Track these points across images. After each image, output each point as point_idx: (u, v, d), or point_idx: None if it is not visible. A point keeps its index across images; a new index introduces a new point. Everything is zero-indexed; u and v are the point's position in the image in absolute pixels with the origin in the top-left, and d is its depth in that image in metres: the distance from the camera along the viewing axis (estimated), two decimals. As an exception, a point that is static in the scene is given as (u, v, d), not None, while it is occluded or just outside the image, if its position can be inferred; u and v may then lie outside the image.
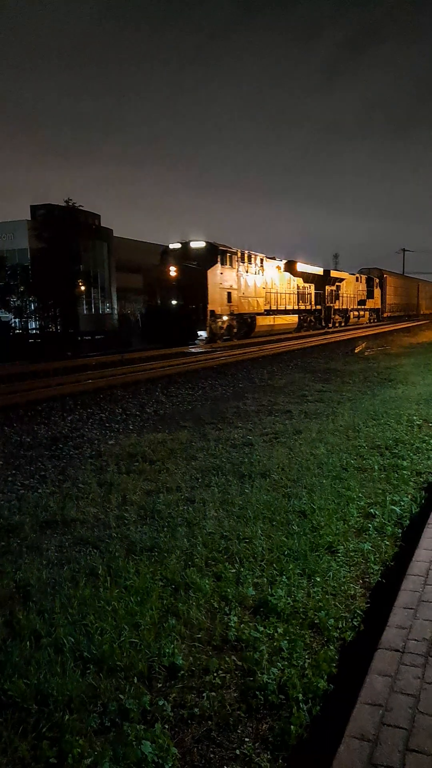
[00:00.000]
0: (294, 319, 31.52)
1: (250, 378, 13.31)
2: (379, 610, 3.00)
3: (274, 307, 28.55)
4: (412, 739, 2.00)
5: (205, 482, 5.17)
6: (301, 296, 32.28)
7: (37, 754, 2.09)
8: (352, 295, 41.76)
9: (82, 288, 32.56)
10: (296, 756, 2.11)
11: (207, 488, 4.99)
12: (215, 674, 2.52)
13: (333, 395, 10.08)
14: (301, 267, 32.40)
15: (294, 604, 3.04)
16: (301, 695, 2.37)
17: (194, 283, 22.09)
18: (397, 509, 4.37)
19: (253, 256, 26.27)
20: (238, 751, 2.13)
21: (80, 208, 30.98)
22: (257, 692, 2.40)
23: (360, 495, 4.71)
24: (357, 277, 43.76)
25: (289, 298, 30.77)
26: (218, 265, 23.08)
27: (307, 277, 33.46)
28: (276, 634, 2.79)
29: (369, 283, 46.25)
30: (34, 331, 29.68)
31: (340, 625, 2.88)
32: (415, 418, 7.69)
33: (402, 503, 4.50)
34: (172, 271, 22.50)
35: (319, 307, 35.50)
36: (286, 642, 2.71)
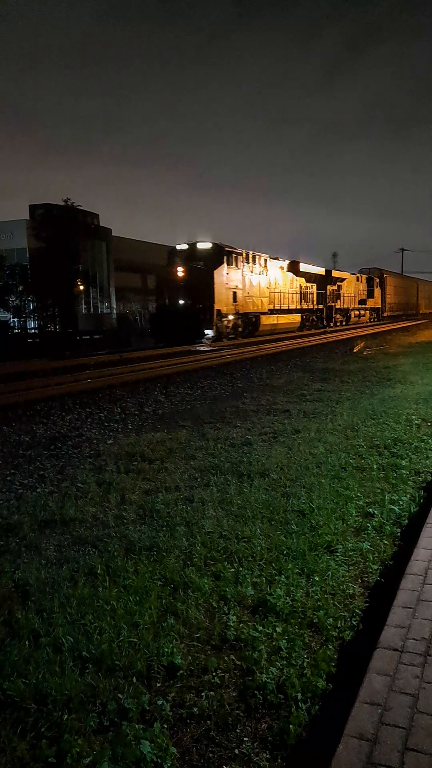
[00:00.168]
0: (297, 318, 31.99)
1: (248, 377, 13.31)
2: (378, 610, 3.00)
3: (277, 307, 29.04)
4: (411, 738, 2.00)
5: (204, 481, 5.17)
6: (303, 296, 32.77)
7: (36, 753, 2.09)
8: (352, 295, 42.08)
9: (81, 287, 32.55)
10: (295, 755, 2.11)
11: (206, 488, 4.99)
12: (214, 674, 2.52)
13: (332, 395, 10.08)
14: (303, 267, 32.87)
15: (293, 604, 3.04)
16: (300, 695, 2.37)
17: (201, 283, 22.62)
18: (396, 508, 4.38)
19: (257, 256, 26.73)
20: (237, 751, 2.13)
21: (79, 207, 30.98)
22: (256, 692, 2.40)
23: (359, 494, 4.71)
24: (358, 277, 44.06)
25: (292, 298, 31.22)
26: (224, 265, 23.56)
27: (310, 277, 33.91)
28: (275, 633, 2.79)
29: (369, 282, 46.56)
30: (32, 331, 29.68)
31: (339, 625, 2.88)
32: (413, 417, 7.70)
33: (401, 502, 4.50)
34: (180, 271, 22.99)
35: (321, 306, 35.94)
36: (285, 641, 2.71)
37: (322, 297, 35.79)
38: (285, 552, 3.64)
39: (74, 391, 11.48)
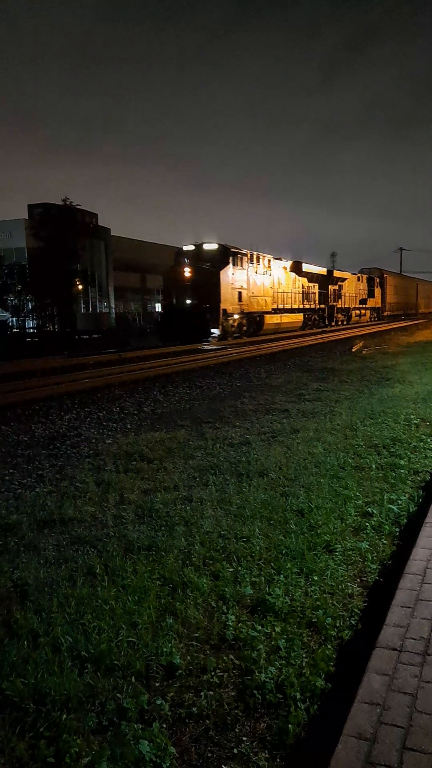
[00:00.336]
0: (299, 317, 32.45)
1: (247, 377, 13.31)
2: (376, 609, 3.00)
3: (280, 306, 29.52)
4: (409, 737, 2.00)
5: (203, 481, 5.16)
6: (306, 296, 33.28)
7: (35, 753, 2.09)
8: (353, 295, 42.43)
9: (80, 287, 32.56)
10: (294, 755, 2.11)
11: (205, 487, 4.99)
12: (213, 673, 2.52)
13: (330, 394, 10.08)
14: (306, 267, 33.38)
15: (292, 603, 3.04)
16: (298, 694, 2.37)
17: (207, 283, 23.07)
18: (395, 508, 4.38)
19: (261, 257, 27.24)
20: (236, 750, 2.13)
21: (77, 207, 30.97)
22: (255, 691, 2.40)
23: (358, 494, 4.71)
24: (358, 277, 44.40)
25: (295, 298, 31.71)
26: (230, 266, 24.02)
27: (312, 277, 34.40)
28: (274, 633, 2.79)
29: (370, 282, 46.84)
30: (31, 330, 29.67)
31: (337, 624, 2.88)
32: (412, 417, 7.70)
33: (399, 502, 4.50)
34: (187, 271, 23.44)
35: (322, 306, 36.43)
36: (283, 641, 2.71)
37: (324, 297, 36.27)
38: (284, 551, 3.64)
39: (73, 391, 11.48)
